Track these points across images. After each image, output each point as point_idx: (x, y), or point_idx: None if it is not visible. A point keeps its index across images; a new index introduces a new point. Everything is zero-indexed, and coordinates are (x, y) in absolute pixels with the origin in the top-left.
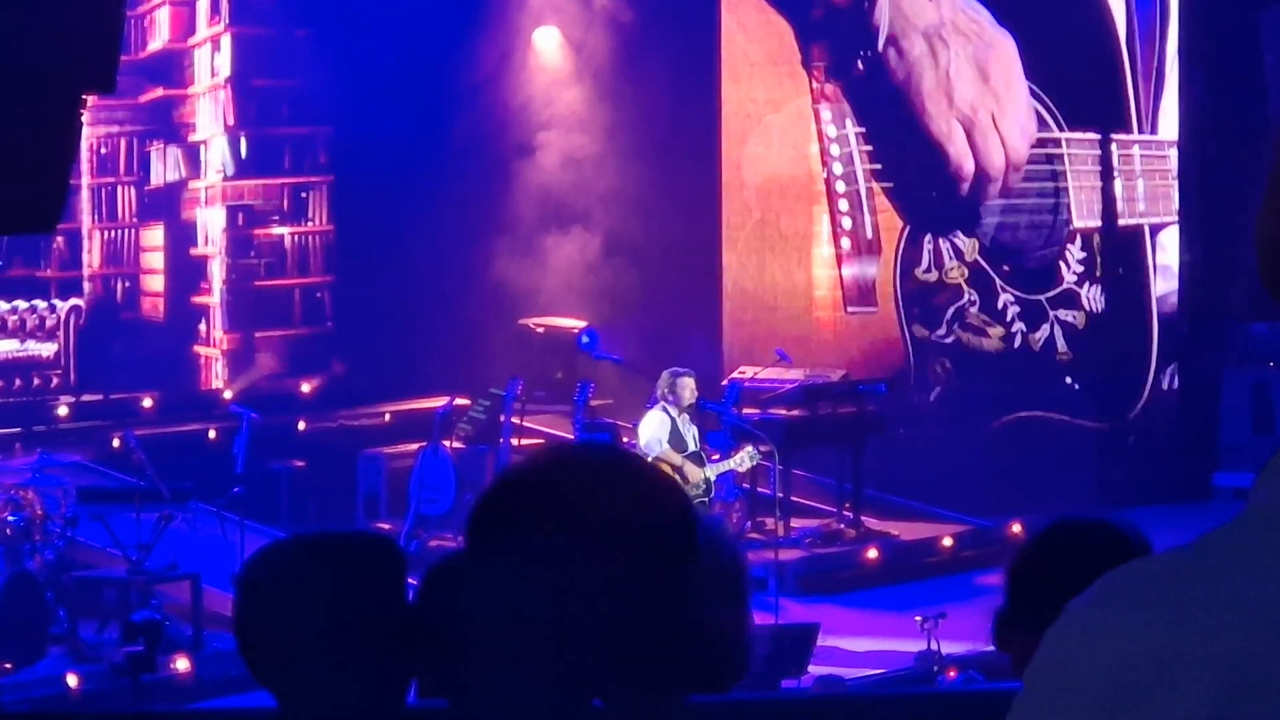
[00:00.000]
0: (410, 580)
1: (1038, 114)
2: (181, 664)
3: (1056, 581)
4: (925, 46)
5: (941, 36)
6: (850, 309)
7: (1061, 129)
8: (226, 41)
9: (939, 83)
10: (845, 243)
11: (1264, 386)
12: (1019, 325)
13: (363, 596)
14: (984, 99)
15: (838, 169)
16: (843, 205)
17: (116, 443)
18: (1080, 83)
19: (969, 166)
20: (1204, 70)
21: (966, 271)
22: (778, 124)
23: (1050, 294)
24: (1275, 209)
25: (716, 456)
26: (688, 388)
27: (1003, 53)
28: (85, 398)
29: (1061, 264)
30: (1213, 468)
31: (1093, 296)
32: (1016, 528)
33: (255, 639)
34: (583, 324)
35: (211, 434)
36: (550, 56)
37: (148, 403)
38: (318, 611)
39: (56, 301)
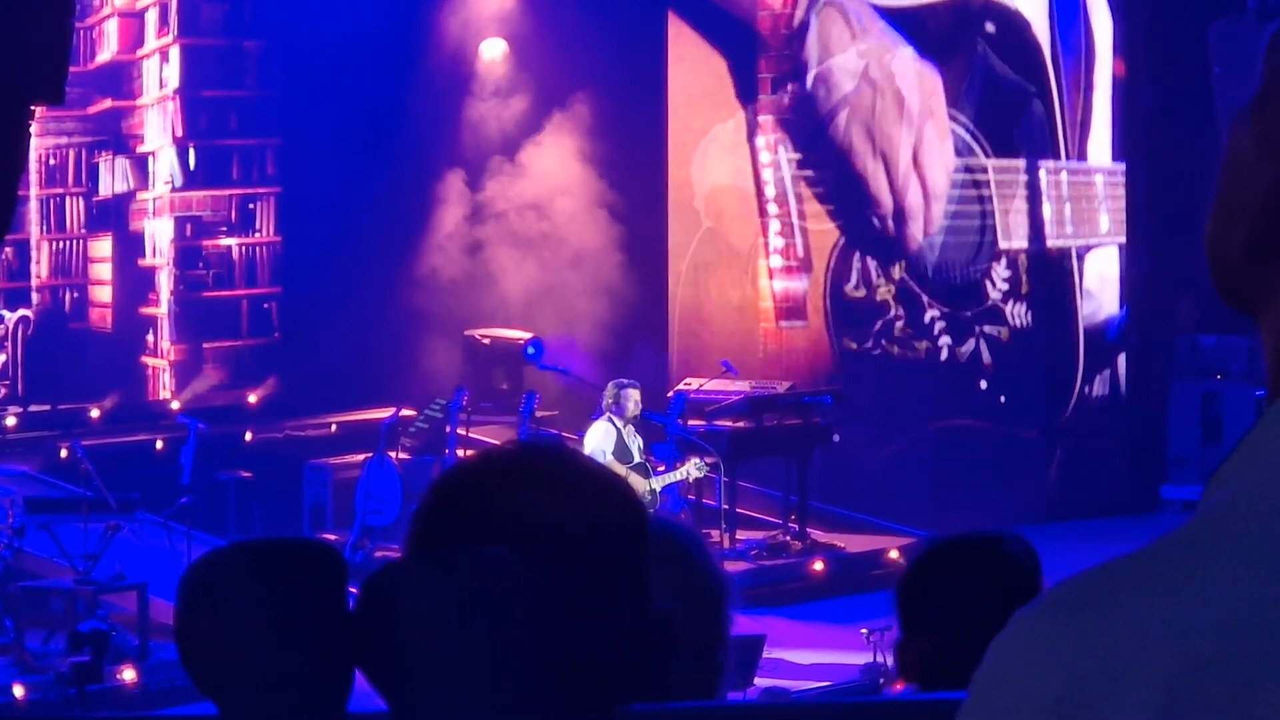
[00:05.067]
0: (352, 589)
1: (966, 142)
2: (128, 674)
3: (943, 602)
4: (851, 85)
5: (867, 75)
6: (781, 323)
7: (989, 155)
8: (175, 53)
9: (863, 121)
10: (777, 260)
11: (1212, 399)
12: (945, 339)
13: (303, 603)
14: (907, 138)
15: (770, 191)
16: (775, 226)
17: (64, 453)
18: (1008, 112)
19: (888, 203)
20: (1151, 84)
21: (894, 289)
22: (722, 143)
23: (976, 310)
24: (1222, 215)
25: (662, 468)
26: (632, 399)
27: (926, 87)
28: (33, 408)
29: (987, 282)
30: (1161, 480)
31: (1017, 313)
32: None
33: (195, 646)
34: (529, 335)
35: (159, 444)
36: (497, 69)
37: (95, 413)
38: (257, 618)
39: (4, 312)
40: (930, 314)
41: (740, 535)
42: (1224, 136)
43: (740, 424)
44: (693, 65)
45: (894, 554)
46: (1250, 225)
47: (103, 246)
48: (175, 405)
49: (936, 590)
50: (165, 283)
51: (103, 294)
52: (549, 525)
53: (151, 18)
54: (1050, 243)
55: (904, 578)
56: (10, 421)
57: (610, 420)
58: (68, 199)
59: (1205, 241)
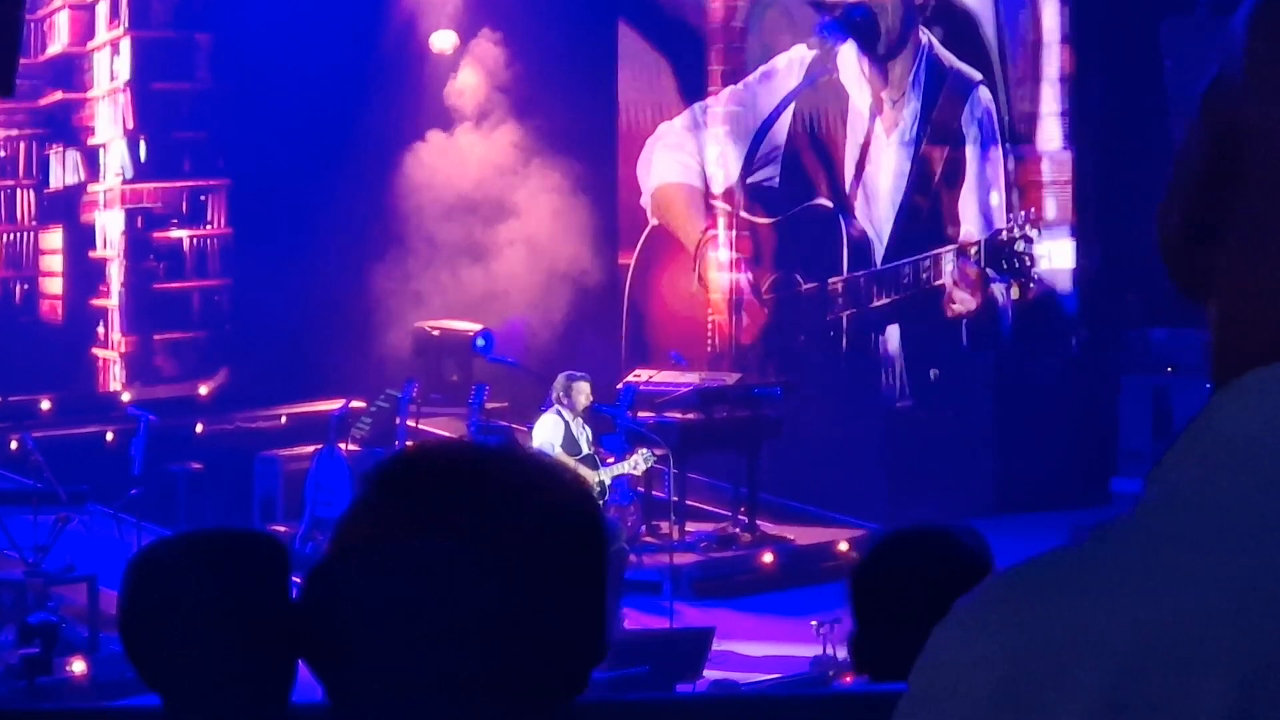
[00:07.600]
0: (297, 579)
1: (912, 131)
2: (78, 666)
3: (895, 594)
4: (795, 81)
5: (812, 70)
6: (731, 316)
7: (936, 144)
8: (126, 45)
9: (808, 115)
10: (724, 253)
11: (1163, 392)
12: (893, 329)
13: (245, 594)
14: (853, 130)
15: (717, 186)
16: (722, 220)
17: (14, 445)
18: (954, 100)
19: (835, 195)
20: (1102, 78)
21: (842, 280)
22: (668, 140)
23: (924, 299)
24: (1167, 200)
25: (611, 460)
26: (583, 392)
27: (870, 79)
28: None
29: (935, 271)
30: (1111, 473)
31: (965, 299)
32: None
33: (138, 637)
34: (478, 327)
35: (109, 436)
36: (447, 60)
37: (46, 405)
38: (199, 609)
39: None
40: (878, 304)
41: (690, 527)
42: (1175, 130)
43: (690, 416)
44: (640, 62)
45: (844, 546)
46: (1185, 208)
47: (53, 238)
48: (126, 397)
49: (889, 582)
50: (116, 275)
51: (53, 286)
52: (495, 520)
53: (102, 10)
54: (998, 230)
55: (856, 569)
56: None
57: (559, 412)
58: (18, 191)
59: (1158, 224)
